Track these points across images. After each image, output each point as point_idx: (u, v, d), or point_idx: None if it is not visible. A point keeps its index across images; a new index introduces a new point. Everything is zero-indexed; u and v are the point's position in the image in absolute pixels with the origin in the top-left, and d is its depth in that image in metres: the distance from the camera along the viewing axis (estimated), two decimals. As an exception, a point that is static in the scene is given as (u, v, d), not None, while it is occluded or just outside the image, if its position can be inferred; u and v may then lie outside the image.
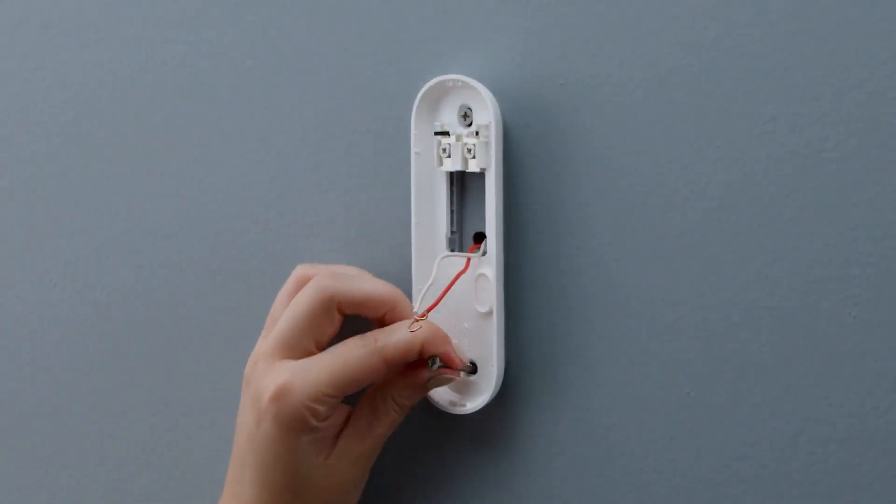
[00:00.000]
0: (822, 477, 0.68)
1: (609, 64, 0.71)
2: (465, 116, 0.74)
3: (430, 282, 0.73)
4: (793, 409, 0.68)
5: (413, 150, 0.75)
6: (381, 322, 0.75)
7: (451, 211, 0.76)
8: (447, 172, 0.76)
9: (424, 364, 0.74)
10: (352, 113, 0.79)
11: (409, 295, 0.76)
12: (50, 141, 0.89)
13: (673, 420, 0.71)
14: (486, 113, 0.73)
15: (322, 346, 0.74)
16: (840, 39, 0.65)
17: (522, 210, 0.74)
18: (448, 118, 0.75)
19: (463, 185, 0.76)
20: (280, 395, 0.72)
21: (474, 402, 0.76)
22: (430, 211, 0.76)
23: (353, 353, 0.72)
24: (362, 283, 0.74)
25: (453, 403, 0.77)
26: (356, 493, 0.77)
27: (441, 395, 0.77)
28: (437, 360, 0.74)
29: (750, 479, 0.70)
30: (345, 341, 0.73)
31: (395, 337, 0.72)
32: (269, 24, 0.80)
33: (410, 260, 0.76)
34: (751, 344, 0.69)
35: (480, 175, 0.74)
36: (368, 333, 0.73)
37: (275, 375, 0.72)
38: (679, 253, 0.70)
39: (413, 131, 0.75)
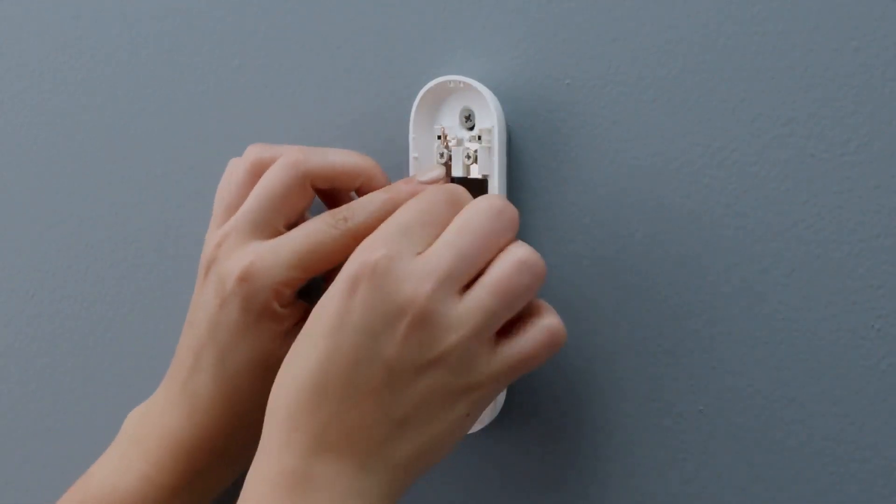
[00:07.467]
0: (844, 499, 0.68)
1: (619, 62, 0.70)
2: (467, 119, 0.74)
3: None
4: (812, 428, 0.68)
5: (411, 154, 0.75)
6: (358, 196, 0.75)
7: (452, 220, 0.77)
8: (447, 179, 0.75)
9: None
10: (347, 115, 0.78)
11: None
12: (34, 140, 0.90)
13: (685, 439, 0.71)
14: (489, 116, 0.73)
15: (291, 226, 0.74)
16: (860, 38, 0.65)
17: (527, 220, 0.73)
18: (449, 121, 0.74)
19: (464, 193, 0.77)
20: (247, 277, 0.71)
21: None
22: (430, 220, 0.76)
23: (321, 232, 0.71)
24: (334, 156, 0.74)
25: (453, 422, 0.76)
26: None
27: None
28: None
29: (767, 502, 0.70)
30: (313, 219, 0.73)
31: (366, 211, 0.71)
32: (264, 20, 0.81)
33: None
34: (767, 359, 0.69)
35: (483, 182, 0.74)
36: (338, 209, 0.72)
37: (241, 256, 0.72)
38: (694, 265, 0.70)
39: (412, 135, 0.75)
